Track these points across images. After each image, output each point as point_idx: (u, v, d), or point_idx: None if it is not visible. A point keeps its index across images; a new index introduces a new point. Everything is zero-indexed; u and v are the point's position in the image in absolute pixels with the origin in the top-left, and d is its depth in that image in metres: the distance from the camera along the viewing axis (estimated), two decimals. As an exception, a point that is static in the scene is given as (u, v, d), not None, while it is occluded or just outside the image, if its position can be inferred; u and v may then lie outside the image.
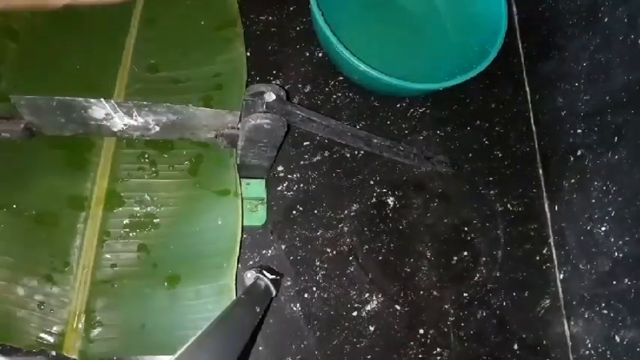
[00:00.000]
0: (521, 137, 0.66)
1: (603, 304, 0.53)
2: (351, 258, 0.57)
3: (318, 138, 0.60)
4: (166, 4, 0.62)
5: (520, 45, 0.70)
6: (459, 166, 0.63)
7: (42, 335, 0.47)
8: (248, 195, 0.54)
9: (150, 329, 0.48)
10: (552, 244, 0.62)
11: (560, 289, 0.60)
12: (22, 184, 0.51)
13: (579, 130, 0.59)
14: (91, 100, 0.45)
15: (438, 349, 0.56)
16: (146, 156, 0.54)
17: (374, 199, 0.59)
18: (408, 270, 0.58)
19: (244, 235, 0.53)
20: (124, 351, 0.48)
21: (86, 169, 0.53)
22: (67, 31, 0.58)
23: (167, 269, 0.50)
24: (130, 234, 0.51)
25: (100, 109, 0.46)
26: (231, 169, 0.53)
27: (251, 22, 0.62)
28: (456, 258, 0.59)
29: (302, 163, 0.59)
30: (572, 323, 0.58)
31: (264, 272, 0.49)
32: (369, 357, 0.54)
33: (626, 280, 0.51)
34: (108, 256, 0.50)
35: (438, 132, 0.64)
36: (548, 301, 0.59)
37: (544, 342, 0.58)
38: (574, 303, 0.58)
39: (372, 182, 0.60)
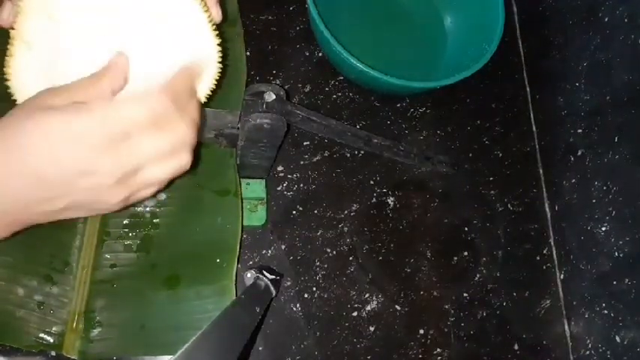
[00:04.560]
0: (522, 137, 0.66)
1: (604, 304, 0.53)
2: (351, 258, 0.57)
3: (318, 138, 0.60)
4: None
5: (520, 44, 0.70)
6: (459, 166, 0.63)
7: (41, 335, 0.47)
8: (248, 195, 0.54)
9: (149, 329, 0.48)
10: (552, 244, 0.62)
11: (560, 289, 0.60)
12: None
13: (580, 130, 0.59)
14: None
15: (438, 349, 0.56)
16: (146, 156, 0.54)
17: (374, 199, 0.59)
18: (408, 270, 0.58)
19: (244, 235, 0.53)
20: (123, 351, 0.48)
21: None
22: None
23: (167, 269, 0.50)
24: (130, 234, 0.51)
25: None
26: (231, 169, 0.53)
27: (251, 21, 0.62)
28: (456, 258, 0.59)
29: (302, 163, 0.59)
30: (573, 323, 0.58)
31: (264, 272, 0.49)
32: (369, 357, 0.54)
33: (627, 280, 0.51)
34: (107, 256, 0.50)
35: (438, 132, 0.64)
36: (548, 301, 0.59)
37: (544, 342, 0.58)
38: (574, 303, 0.58)
39: (372, 182, 0.60)
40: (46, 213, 0.30)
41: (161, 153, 0.30)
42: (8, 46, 0.31)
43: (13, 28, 0.31)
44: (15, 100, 0.32)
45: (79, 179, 0.28)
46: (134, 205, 0.34)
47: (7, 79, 0.32)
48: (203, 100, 0.37)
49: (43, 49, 0.31)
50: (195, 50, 0.35)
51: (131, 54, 0.33)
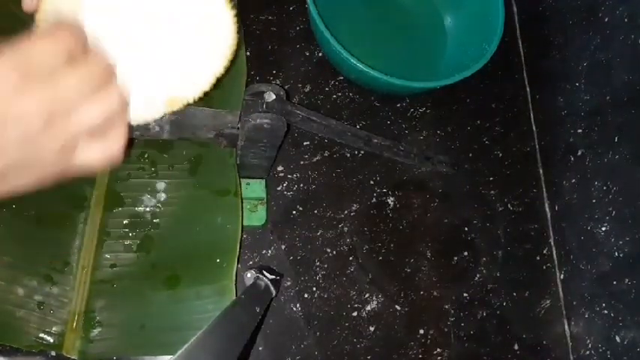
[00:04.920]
0: (522, 137, 0.66)
1: (603, 304, 0.53)
2: (351, 258, 0.57)
3: (318, 138, 0.60)
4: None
5: (520, 44, 0.70)
6: (459, 166, 0.63)
7: (41, 335, 0.47)
8: (248, 195, 0.54)
9: (149, 329, 0.48)
10: (552, 244, 0.62)
11: (560, 289, 0.60)
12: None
13: (580, 130, 0.59)
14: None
15: (438, 349, 0.56)
16: (146, 156, 0.54)
17: (374, 199, 0.59)
18: (408, 270, 0.58)
19: (244, 235, 0.53)
20: (123, 351, 0.48)
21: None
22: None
23: (167, 269, 0.50)
24: (130, 234, 0.51)
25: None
26: (231, 169, 0.53)
27: (251, 21, 0.62)
28: (456, 258, 0.59)
29: (302, 163, 0.59)
30: (573, 323, 0.58)
31: (264, 272, 0.49)
32: (369, 357, 0.54)
33: (627, 280, 0.51)
34: (107, 256, 0.50)
35: (438, 132, 0.64)
36: (548, 301, 0.59)
37: (544, 342, 0.58)
38: (574, 303, 0.58)
39: (372, 182, 0.60)
40: None
41: (83, 86, 0.29)
42: (32, 30, 0.31)
43: (37, 12, 0.31)
44: None
45: (4, 127, 0.27)
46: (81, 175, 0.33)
47: None
48: (222, 71, 0.36)
49: None
50: (211, 23, 0.34)
51: (147, 26, 0.33)
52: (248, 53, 0.59)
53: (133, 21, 0.33)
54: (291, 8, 0.64)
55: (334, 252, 0.57)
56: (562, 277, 0.60)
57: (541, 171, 0.65)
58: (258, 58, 0.61)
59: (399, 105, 0.64)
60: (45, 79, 0.27)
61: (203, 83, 0.36)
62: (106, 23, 0.32)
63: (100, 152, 0.31)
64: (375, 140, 0.56)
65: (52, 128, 0.28)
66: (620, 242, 0.52)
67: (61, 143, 0.29)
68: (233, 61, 0.37)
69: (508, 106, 0.67)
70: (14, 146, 0.27)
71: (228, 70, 0.36)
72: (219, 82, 0.36)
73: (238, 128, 0.45)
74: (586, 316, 0.56)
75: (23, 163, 0.28)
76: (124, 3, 0.32)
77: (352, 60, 0.53)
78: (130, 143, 0.33)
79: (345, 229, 0.58)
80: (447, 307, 0.57)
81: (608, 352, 0.52)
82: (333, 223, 0.58)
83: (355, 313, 0.55)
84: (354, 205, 0.59)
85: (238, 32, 0.35)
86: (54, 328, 0.47)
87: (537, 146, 0.66)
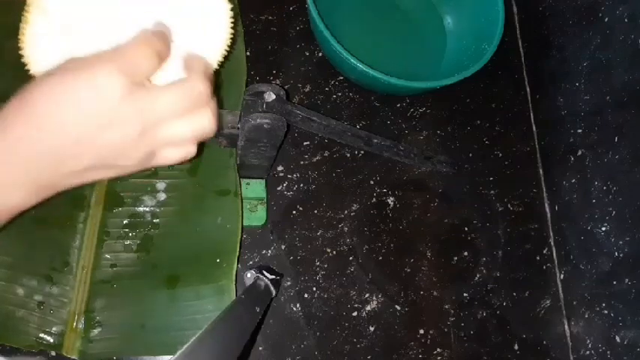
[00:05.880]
0: (522, 137, 0.66)
1: (604, 304, 0.53)
2: (351, 258, 0.57)
3: (318, 138, 0.60)
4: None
5: (520, 44, 0.70)
6: (459, 166, 0.63)
7: (41, 335, 0.47)
8: (248, 195, 0.54)
9: (150, 329, 0.48)
10: (552, 244, 0.62)
11: (560, 289, 0.60)
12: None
13: (580, 130, 0.59)
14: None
15: (438, 349, 0.56)
16: (146, 156, 0.54)
17: (374, 199, 0.59)
18: (408, 270, 0.58)
19: (244, 235, 0.53)
20: (123, 351, 0.48)
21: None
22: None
23: (167, 269, 0.50)
24: (130, 234, 0.51)
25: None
26: (231, 169, 0.53)
27: (251, 21, 0.62)
28: (456, 258, 0.59)
29: (302, 163, 0.59)
30: (573, 323, 0.58)
31: (264, 272, 0.49)
32: (369, 357, 0.54)
33: (627, 280, 0.51)
34: (107, 256, 0.50)
35: (438, 132, 0.64)
36: (548, 301, 0.59)
37: (544, 342, 0.58)
38: (574, 303, 0.58)
39: (372, 182, 0.60)
40: (72, 174, 0.30)
41: (181, 106, 0.31)
42: (24, 13, 0.31)
43: None
44: (28, 71, 0.32)
45: (104, 131, 0.29)
46: (150, 169, 0.34)
47: (20, 48, 0.31)
48: (215, 66, 0.36)
49: (59, 15, 0.31)
50: (206, 16, 0.34)
51: (144, 17, 0.33)
52: (248, 53, 0.59)
53: (128, 10, 0.32)
54: (291, 8, 0.64)
55: (334, 252, 0.57)
56: (562, 277, 0.60)
57: (541, 171, 0.65)
58: (258, 58, 0.61)
59: (399, 105, 0.64)
60: (145, 92, 0.29)
61: None
62: (98, 8, 0.32)
63: (177, 155, 0.33)
64: (375, 140, 0.56)
65: (144, 137, 0.30)
66: (620, 242, 0.52)
67: (148, 151, 0.31)
68: (232, 61, 0.36)
69: (508, 106, 0.67)
70: (106, 147, 0.29)
71: (226, 68, 0.36)
72: (215, 78, 0.36)
73: (238, 128, 0.45)
74: (586, 316, 0.56)
75: (108, 162, 0.31)
76: None
77: (352, 60, 0.53)
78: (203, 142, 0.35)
79: (345, 229, 0.58)
80: (447, 307, 0.57)
81: (608, 352, 0.52)
82: (333, 223, 0.58)
83: (355, 313, 0.55)
84: (354, 205, 0.59)
85: (234, 28, 0.35)
86: (54, 328, 0.47)
87: (537, 146, 0.66)
